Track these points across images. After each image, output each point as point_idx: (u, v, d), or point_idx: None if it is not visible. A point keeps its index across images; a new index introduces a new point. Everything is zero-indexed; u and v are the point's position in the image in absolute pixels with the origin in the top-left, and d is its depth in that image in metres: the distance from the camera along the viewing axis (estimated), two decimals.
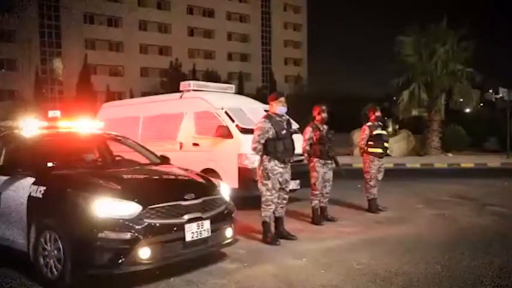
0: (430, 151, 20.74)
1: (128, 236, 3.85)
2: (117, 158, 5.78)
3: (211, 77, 39.47)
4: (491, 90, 66.73)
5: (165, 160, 5.58)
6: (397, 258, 4.85)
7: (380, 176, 7.51)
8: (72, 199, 4.04)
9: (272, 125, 5.45)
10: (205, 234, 4.30)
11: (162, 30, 56.11)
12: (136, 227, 3.90)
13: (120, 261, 3.81)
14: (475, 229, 6.27)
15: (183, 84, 9.03)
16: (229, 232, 4.65)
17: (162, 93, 10.89)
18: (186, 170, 5.29)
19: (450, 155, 20.56)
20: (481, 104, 38.73)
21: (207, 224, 4.32)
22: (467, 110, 26.42)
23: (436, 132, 21.05)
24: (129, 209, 3.95)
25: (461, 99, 21.67)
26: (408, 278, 4.18)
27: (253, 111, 8.12)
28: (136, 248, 3.85)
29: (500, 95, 23.26)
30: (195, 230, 4.21)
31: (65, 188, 4.20)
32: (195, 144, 8.06)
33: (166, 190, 4.50)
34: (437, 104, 20.73)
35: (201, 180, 5.00)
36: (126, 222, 3.89)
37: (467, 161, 17.77)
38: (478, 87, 22.41)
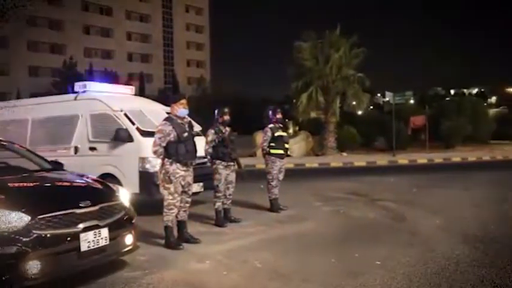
0: (327, 151, 21.99)
1: (13, 249, 3.52)
2: (1, 165, 5.25)
3: (110, 77, 37.69)
4: (379, 94, 72.68)
5: (57, 166, 5.21)
6: (296, 255, 5.07)
7: (281, 176, 7.76)
8: None
9: (173, 127, 5.37)
10: (103, 243, 4.09)
11: (53, 26, 52.28)
12: (24, 239, 3.58)
13: (4, 278, 3.47)
14: (366, 222, 6.79)
15: (78, 85, 8.52)
16: (129, 239, 4.48)
17: (55, 94, 10.14)
18: (82, 176, 5.00)
19: (345, 154, 21.99)
20: (371, 107, 41.99)
21: (104, 231, 4.11)
22: (359, 112, 28.42)
23: (332, 133, 22.38)
24: (15, 220, 3.62)
25: (353, 102, 23.29)
26: (305, 274, 4.37)
27: (154, 113, 7.92)
28: (23, 262, 3.53)
29: (387, 99, 25.38)
30: (92, 239, 3.99)
31: None
32: (92, 149, 7.64)
33: (58, 198, 4.20)
34: (333, 106, 22.11)
35: (98, 186, 4.75)
36: (12, 235, 3.56)
37: (359, 160, 19.14)
38: (368, 91, 24.23)
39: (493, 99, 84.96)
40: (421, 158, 19.80)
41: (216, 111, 6.87)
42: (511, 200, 8.65)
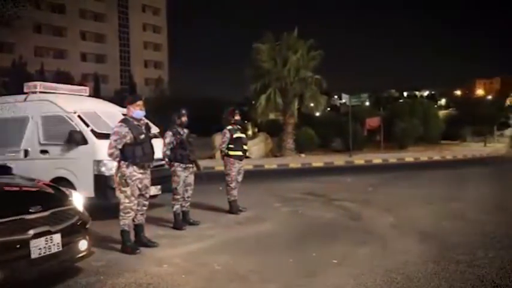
0: (286, 152, 22.21)
1: None
2: None
3: (63, 78, 36.40)
4: (336, 96, 74.39)
5: (4, 170, 4.97)
6: (255, 256, 5.09)
7: (240, 178, 7.76)
8: None
9: (130, 129, 5.25)
10: (55, 249, 3.93)
11: (1, 24, 49.87)
12: None
13: None
14: (323, 222, 6.91)
15: (29, 86, 8.17)
16: (83, 244, 4.33)
17: (3, 95, 9.70)
18: (32, 180, 4.79)
19: (303, 155, 22.29)
20: (328, 109, 42.85)
21: (57, 237, 3.95)
22: (317, 114, 28.94)
23: (291, 135, 22.63)
24: None
25: (311, 104, 23.65)
26: (264, 275, 4.40)
27: (109, 115, 7.71)
28: None
29: (344, 101, 26.01)
30: (43, 246, 3.83)
31: None
32: (43, 152, 7.35)
33: (6, 204, 3.99)
34: (291, 108, 22.35)
35: (49, 190, 4.57)
36: None
37: (317, 161, 19.47)
38: (325, 93, 24.70)
39: (443, 101, 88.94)
40: (376, 158, 20.40)
41: (173, 113, 6.79)
42: (460, 198, 9.07)
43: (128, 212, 5.26)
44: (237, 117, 7.77)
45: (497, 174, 14.87)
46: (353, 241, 5.63)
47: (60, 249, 3.98)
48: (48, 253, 3.86)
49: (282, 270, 4.52)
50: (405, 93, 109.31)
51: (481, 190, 10.41)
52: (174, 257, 5.04)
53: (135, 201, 5.30)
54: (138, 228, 5.50)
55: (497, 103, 45.54)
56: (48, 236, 3.89)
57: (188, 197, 6.78)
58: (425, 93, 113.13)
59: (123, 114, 6.03)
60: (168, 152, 6.59)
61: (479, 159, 22.78)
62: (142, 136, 5.32)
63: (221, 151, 7.73)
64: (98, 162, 6.86)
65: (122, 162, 5.23)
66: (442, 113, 44.47)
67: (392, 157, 21.03)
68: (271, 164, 18.59)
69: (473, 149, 28.77)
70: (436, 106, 49.37)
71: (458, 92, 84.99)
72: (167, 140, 6.60)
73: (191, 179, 6.75)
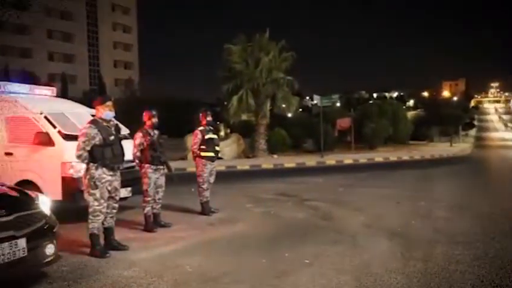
0: (258, 153, 22.26)
1: None
2: None
3: (29, 78, 35.33)
4: (308, 97, 75.14)
5: None
6: (227, 257, 5.06)
7: (212, 179, 7.71)
8: None
9: (99, 130, 5.14)
10: (20, 254, 3.80)
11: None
12: None
13: None
14: (295, 222, 6.95)
15: None
16: (50, 249, 4.20)
17: None
18: None
19: (275, 156, 22.39)
20: (300, 110, 43.24)
21: (22, 242, 3.82)
22: (289, 115, 29.12)
23: (263, 136, 22.71)
24: None
25: (283, 105, 23.80)
26: (236, 276, 4.38)
27: (78, 116, 7.53)
28: None
29: (315, 102, 26.23)
30: (7, 251, 3.70)
31: None
32: (8, 154, 7.11)
33: None
34: (264, 109, 22.44)
35: (14, 194, 4.41)
36: None
37: (289, 161, 19.58)
38: (297, 94, 24.91)
39: (411, 102, 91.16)
40: (347, 159, 20.70)
41: (143, 114, 6.70)
42: (426, 197, 9.30)
43: (97, 215, 5.15)
44: (209, 118, 7.72)
45: (464, 173, 15.37)
46: (325, 241, 5.68)
47: (26, 254, 3.85)
48: (12, 259, 3.73)
49: (255, 271, 4.52)
50: (375, 95, 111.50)
51: (449, 189, 10.71)
52: (145, 260, 4.96)
53: (105, 204, 5.19)
54: (107, 231, 5.39)
55: (463, 104, 47.03)
56: (13, 241, 3.76)
57: (159, 199, 6.69)
58: (395, 94, 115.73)
59: (92, 115, 5.91)
60: (138, 154, 6.49)
61: (446, 159, 23.47)
62: (112, 137, 5.22)
63: (193, 152, 7.66)
64: (65, 164, 6.69)
65: (91, 164, 5.11)
66: (410, 113, 45.59)
67: (362, 157, 21.38)
68: (244, 165, 18.58)
69: (440, 149, 29.59)
70: (404, 107, 50.51)
71: (425, 94, 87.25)
72: (137, 141, 6.50)
73: (162, 180, 6.66)
